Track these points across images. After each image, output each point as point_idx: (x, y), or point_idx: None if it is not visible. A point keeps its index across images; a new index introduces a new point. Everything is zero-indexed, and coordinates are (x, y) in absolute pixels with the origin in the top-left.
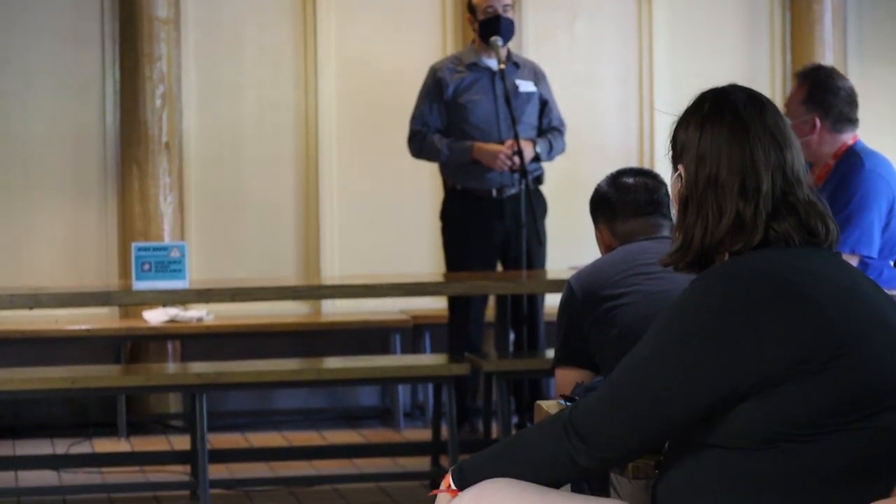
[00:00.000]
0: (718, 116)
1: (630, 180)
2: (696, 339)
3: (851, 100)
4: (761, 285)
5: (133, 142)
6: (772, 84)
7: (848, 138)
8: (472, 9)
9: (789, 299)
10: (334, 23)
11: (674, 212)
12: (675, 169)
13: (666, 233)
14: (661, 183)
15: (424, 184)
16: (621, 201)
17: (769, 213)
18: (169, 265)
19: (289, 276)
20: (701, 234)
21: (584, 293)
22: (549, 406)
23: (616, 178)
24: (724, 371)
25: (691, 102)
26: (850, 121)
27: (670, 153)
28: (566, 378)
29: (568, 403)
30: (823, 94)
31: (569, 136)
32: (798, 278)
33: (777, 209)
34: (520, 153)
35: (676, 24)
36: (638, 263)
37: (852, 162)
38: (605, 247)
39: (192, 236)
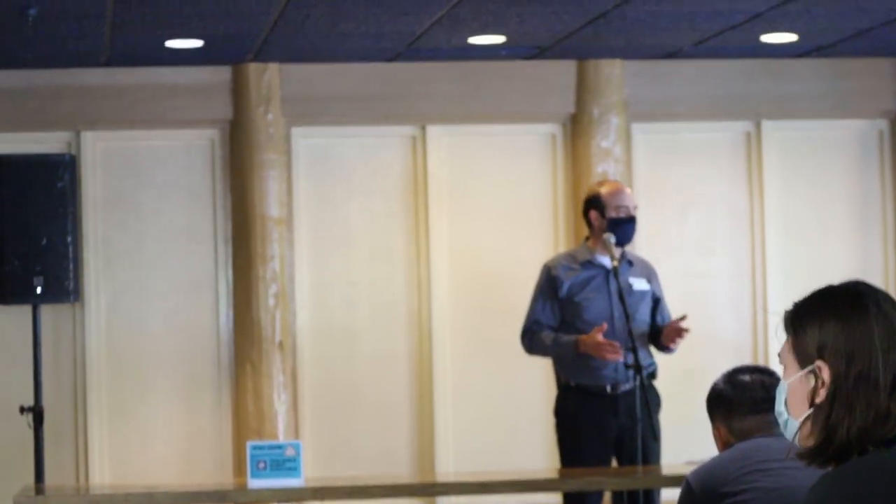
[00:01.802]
0: (863, 312)
1: (746, 378)
2: None
3: None
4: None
5: (247, 341)
6: (885, 275)
7: None
8: (598, 204)
9: None
10: (446, 219)
11: (789, 412)
12: (802, 367)
13: None
14: (778, 379)
15: (538, 380)
16: (738, 398)
17: None
18: (284, 463)
19: (403, 473)
20: (846, 430)
21: (702, 490)
22: None
23: (732, 376)
24: None
25: (813, 299)
26: None
27: (792, 352)
28: None
29: None
30: None
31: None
32: None
33: None
34: (634, 351)
35: (788, 216)
36: (756, 460)
37: None
38: (723, 443)
39: (305, 434)
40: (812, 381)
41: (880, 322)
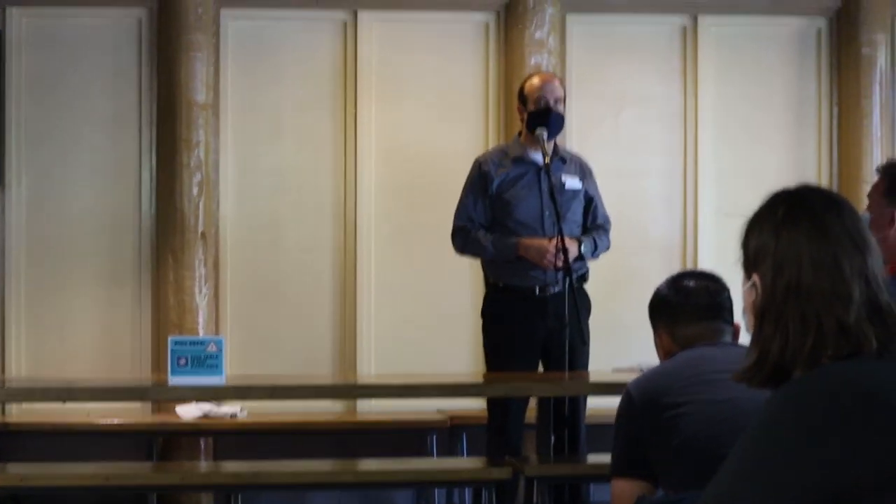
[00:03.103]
0: (795, 220)
1: (691, 283)
2: (781, 458)
3: None
4: (853, 401)
5: (169, 230)
6: (818, 179)
7: None
8: (522, 98)
9: (882, 416)
10: (375, 111)
11: (745, 322)
12: (749, 277)
13: (728, 338)
14: (723, 286)
15: (465, 279)
16: (682, 305)
17: (856, 322)
18: (206, 360)
19: (325, 372)
20: (780, 347)
21: (644, 401)
22: None
23: (677, 282)
24: (816, 487)
25: (762, 205)
26: None
27: (742, 260)
28: (624, 490)
29: None
30: None
31: (612, 232)
32: (891, 393)
33: (863, 317)
34: (564, 251)
35: (723, 117)
36: (700, 370)
37: None
38: (665, 352)
39: (226, 328)
40: (754, 294)
41: (815, 232)
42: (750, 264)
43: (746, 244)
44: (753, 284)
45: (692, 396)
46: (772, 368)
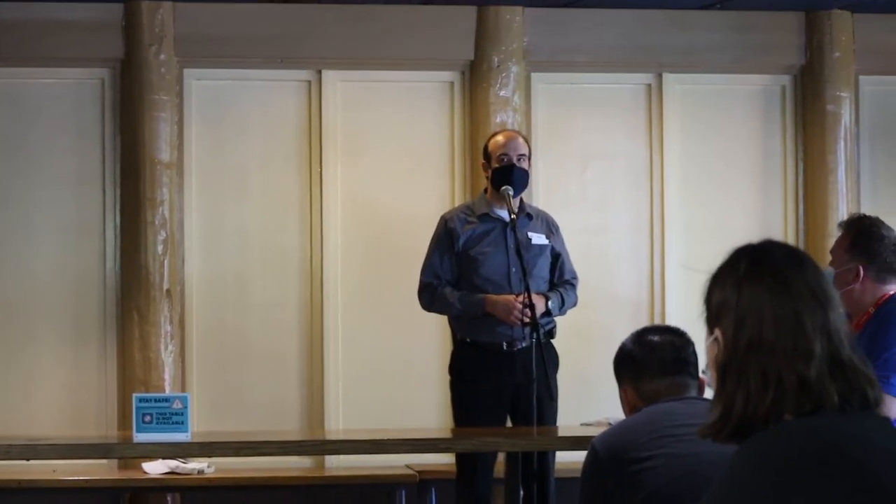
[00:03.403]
0: (757, 275)
1: (656, 338)
2: None
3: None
4: (816, 455)
5: (134, 288)
6: (784, 235)
7: (891, 288)
8: (486, 155)
9: (845, 469)
10: (340, 168)
11: (709, 377)
12: (711, 332)
13: (693, 393)
14: (688, 341)
15: (433, 335)
16: (647, 360)
17: (817, 378)
18: (171, 417)
19: (292, 427)
20: (743, 402)
21: (609, 455)
22: None
23: (641, 336)
24: None
25: (725, 260)
26: (894, 271)
27: (705, 314)
28: None
29: None
30: (868, 242)
31: (580, 287)
32: (853, 447)
33: (824, 373)
34: (531, 307)
35: (689, 173)
36: (665, 425)
37: (892, 308)
38: (630, 407)
39: (193, 385)
40: (716, 349)
41: (777, 287)
42: (712, 319)
43: (709, 299)
44: (716, 339)
45: (657, 451)
46: (736, 424)
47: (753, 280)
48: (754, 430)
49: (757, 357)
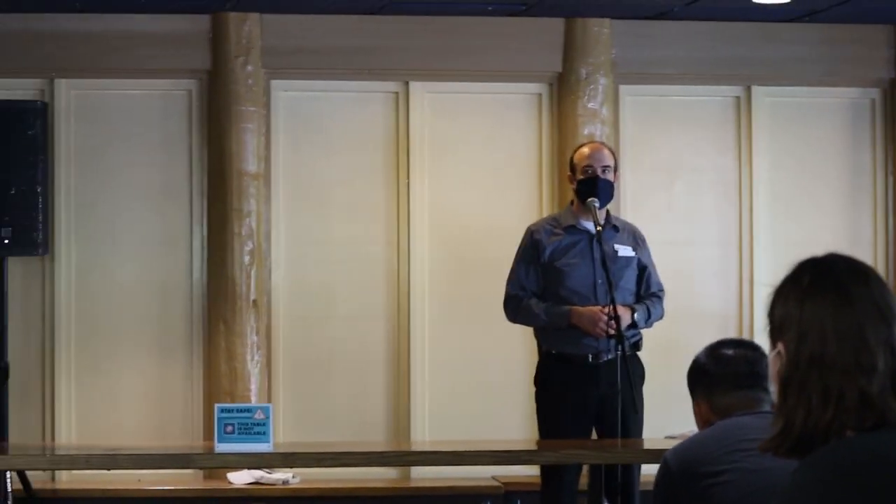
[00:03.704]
0: (820, 289)
1: (730, 352)
2: None
3: None
4: (877, 472)
5: (220, 298)
6: (874, 248)
7: None
8: (572, 167)
9: None
10: (427, 178)
11: (773, 390)
12: (774, 346)
13: (766, 407)
14: (763, 355)
15: (518, 347)
16: (720, 374)
17: (879, 393)
18: (253, 427)
19: (378, 438)
20: (804, 417)
21: (681, 469)
22: None
23: (715, 350)
24: None
25: (789, 273)
26: None
27: (768, 328)
28: None
29: None
30: None
31: (666, 300)
32: None
33: (887, 388)
34: (616, 319)
35: (778, 186)
36: (738, 439)
37: None
38: (703, 421)
39: (279, 397)
40: (778, 363)
41: (840, 302)
42: (775, 332)
43: (772, 312)
44: (778, 353)
45: (729, 465)
46: (796, 438)
47: (816, 294)
48: (815, 445)
49: (819, 372)
